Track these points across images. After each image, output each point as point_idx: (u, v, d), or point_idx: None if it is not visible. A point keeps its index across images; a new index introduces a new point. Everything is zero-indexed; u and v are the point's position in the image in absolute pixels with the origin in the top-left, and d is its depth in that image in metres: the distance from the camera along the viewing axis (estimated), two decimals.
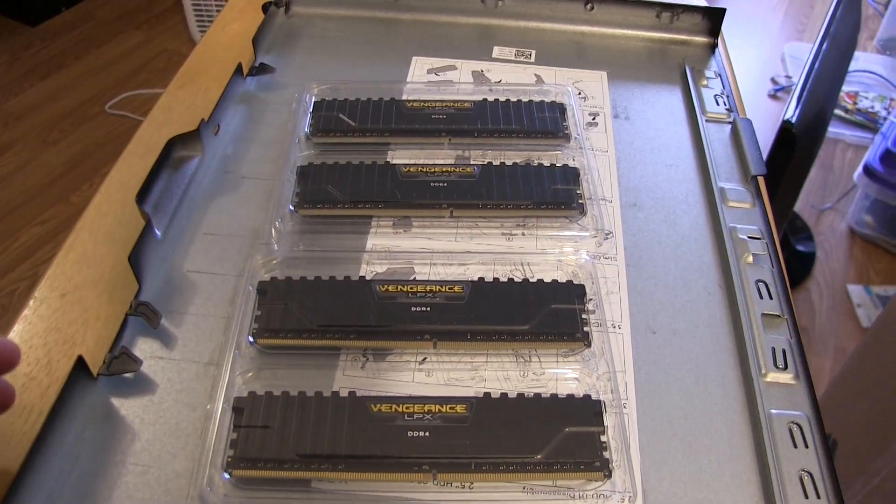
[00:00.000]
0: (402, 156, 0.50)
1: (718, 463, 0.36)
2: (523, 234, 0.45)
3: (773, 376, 0.39)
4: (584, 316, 0.40)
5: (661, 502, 0.34)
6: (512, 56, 0.59)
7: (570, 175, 0.48)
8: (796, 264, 1.63)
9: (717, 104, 0.55)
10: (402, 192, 0.46)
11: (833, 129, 1.94)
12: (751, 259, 0.44)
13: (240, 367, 0.38)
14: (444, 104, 0.52)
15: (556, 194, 0.46)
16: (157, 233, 0.44)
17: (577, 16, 0.62)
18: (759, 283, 0.43)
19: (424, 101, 0.52)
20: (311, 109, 0.52)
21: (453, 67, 0.57)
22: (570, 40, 0.62)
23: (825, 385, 1.21)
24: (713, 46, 0.61)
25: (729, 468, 0.36)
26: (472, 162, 0.49)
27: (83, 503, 0.33)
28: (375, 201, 0.46)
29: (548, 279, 0.42)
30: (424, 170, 0.47)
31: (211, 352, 0.39)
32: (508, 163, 0.48)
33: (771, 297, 0.42)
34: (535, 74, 0.57)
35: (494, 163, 0.48)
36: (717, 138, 0.53)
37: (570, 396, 0.36)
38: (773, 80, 2.12)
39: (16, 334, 0.40)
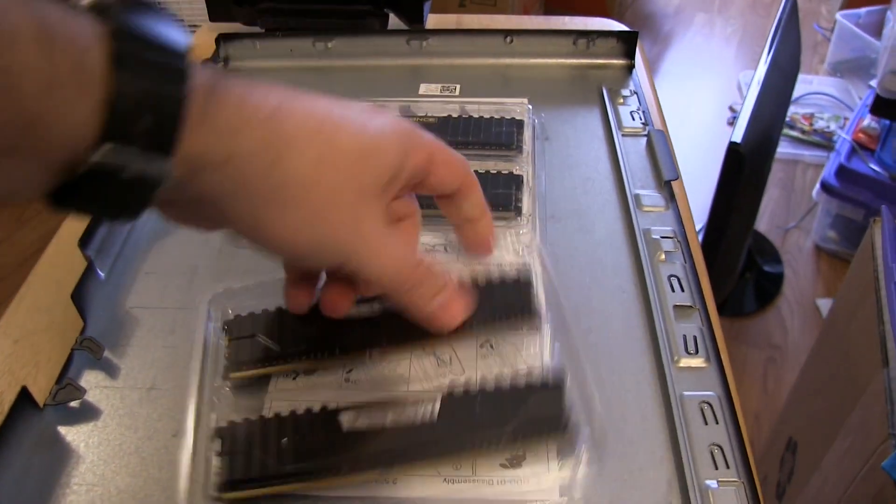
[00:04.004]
0: None
1: (632, 443, 0.38)
2: (452, 246, 0.48)
3: (685, 361, 0.41)
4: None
5: (578, 484, 0.36)
6: (437, 91, 0.62)
7: (513, 181, 0.51)
8: (766, 284, 1.66)
9: (633, 119, 0.58)
10: None
11: (792, 150, 1.99)
12: (663, 257, 0.47)
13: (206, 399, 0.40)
14: (411, 119, 0.57)
15: (496, 197, 0.50)
16: (101, 273, 0.47)
17: (499, 49, 0.66)
18: (672, 278, 0.46)
19: None
20: None
21: (382, 107, 0.60)
22: (494, 73, 0.65)
23: None
24: (631, 67, 0.65)
25: (642, 448, 0.38)
26: None
27: None
28: None
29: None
30: None
31: (153, 378, 0.42)
32: None
33: (683, 290, 0.45)
34: (460, 106, 0.60)
35: None
36: (632, 150, 0.56)
37: None
38: (731, 109, 2.18)
39: None
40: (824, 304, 1.58)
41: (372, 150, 0.33)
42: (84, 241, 0.46)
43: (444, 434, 0.36)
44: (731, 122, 2.12)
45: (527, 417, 0.36)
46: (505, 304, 0.42)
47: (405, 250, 0.36)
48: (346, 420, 0.37)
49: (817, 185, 1.63)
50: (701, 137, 2.06)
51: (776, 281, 1.66)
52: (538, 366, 0.40)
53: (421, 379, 0.41)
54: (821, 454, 0.67)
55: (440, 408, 0.37)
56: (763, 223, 1.79)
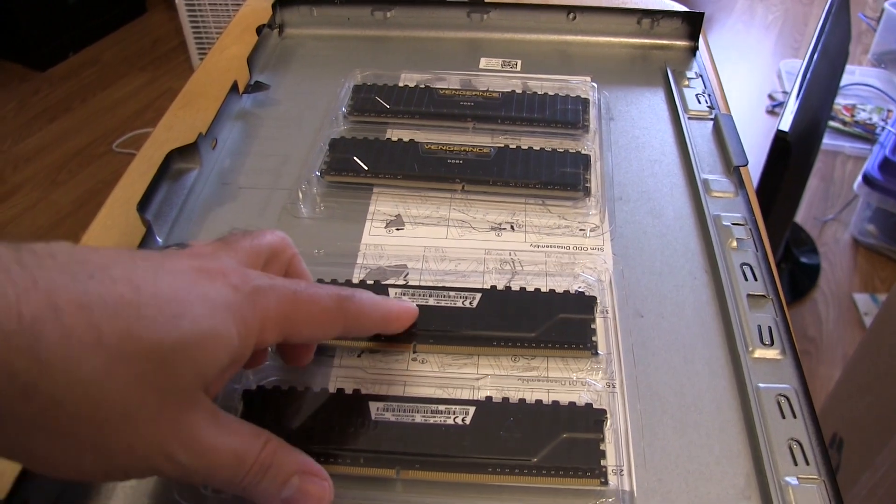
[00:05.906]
0: (429, 137, 0.53)
1: (708, 436, 0.37)
2: (519, 224, 0.47)
3: (760, 352, 0.40)
4: (592, 326, 0.40)
5: (652, 477, 0.35)
6: (499, 66, 0.61)
7: (581, 161, 0.50)
8: (801, 276, 1.63)
9: (699, 102, 0.57)
10: (420, 167, 0.49)
11: (832, 142, 1.96)
12: (735, 244, 0.45)
13: None
14: (473, 93, 0.56)
15: (564, 176, 0.49)
16: (159, 240, 0.46)
17: (561, 26, 0.64)
18: (744, 266, 0.44)
19: (455, 90, 0.56)
20: (350, 91, 0.57)
21: (442, 79, 0.58)
22: (555, 49, 0.64)
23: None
24: (694, 49, 0.63)
25: (718, 441, 0.37)
26: (490, 144, 0.52)
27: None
28: (395, 173, 0.49)
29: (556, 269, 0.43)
30: (444, 148, 0.51)
31: None
32: (524, 147, 0.51)
33: (756, 279, 0.43)
34: (522, 82, 0.59)
35: (511, 146, 0.51)
36: (699, 134, 0.54)
37: (572, 404, 0.37)
38: (771, 97, 2.15)
39: None
40: (861, 299, 1.56)
41: (190, 343, 0.26)
42: (143, 205, 0.46)
43: (469, 445, 0.35)
44: (770, 111, 2.09)
45: (560, 446, 0.35)
46: (562, 330, 0.40)
47: (242, 438, 0.29)
48: (374, 410, 0.36)
49: (859, 178, 1.60)
50: (738, 125, 2.03)
51: (812, 273, 1.63)
52: (585, 394, 0.38)
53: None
54: (872, 453, 0.65)
55: (473, 417, 0.36)
56: (800, 214, 1.76)
